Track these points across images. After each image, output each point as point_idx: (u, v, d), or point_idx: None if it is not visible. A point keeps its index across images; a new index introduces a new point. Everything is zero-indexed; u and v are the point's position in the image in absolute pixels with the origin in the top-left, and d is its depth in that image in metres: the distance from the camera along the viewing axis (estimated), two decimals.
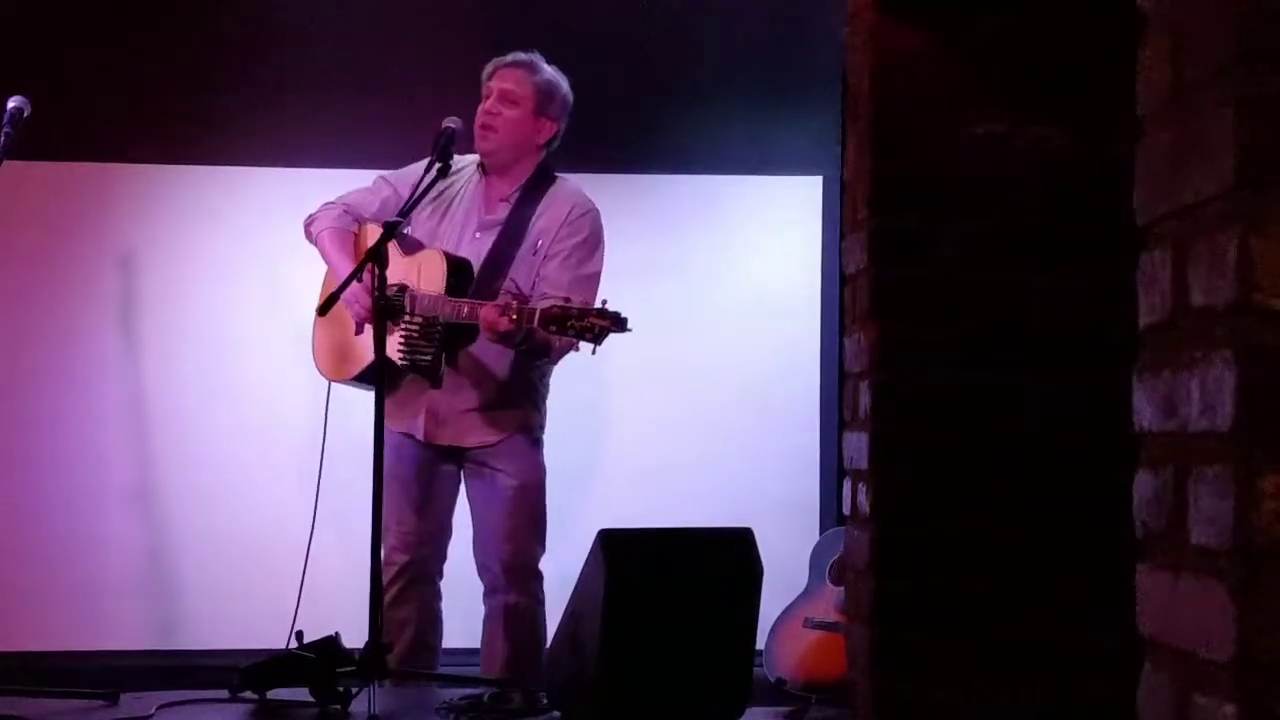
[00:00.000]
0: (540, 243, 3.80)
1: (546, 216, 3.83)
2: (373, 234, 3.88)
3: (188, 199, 4.72)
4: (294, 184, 4.49)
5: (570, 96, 3.90)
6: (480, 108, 3.85)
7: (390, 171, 3.99)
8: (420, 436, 3.83)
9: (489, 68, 3.90)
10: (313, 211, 3.98)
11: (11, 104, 3.49)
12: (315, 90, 4.67)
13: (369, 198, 3.95)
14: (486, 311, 3.54)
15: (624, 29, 4.71)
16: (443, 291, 3.68)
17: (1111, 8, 2.49)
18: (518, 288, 3.71)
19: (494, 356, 3.79)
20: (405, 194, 3.81)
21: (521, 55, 3.89)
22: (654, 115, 4.72)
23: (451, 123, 3.69)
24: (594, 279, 3.75)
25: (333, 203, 3.97)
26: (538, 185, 3.86)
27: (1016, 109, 2.60)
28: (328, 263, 3.91)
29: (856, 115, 2.75)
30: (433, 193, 3.77)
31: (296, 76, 4.68)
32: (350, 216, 3.94)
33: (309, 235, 3.97)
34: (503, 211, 3.85)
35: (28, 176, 4.39)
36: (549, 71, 3.89)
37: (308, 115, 4.65)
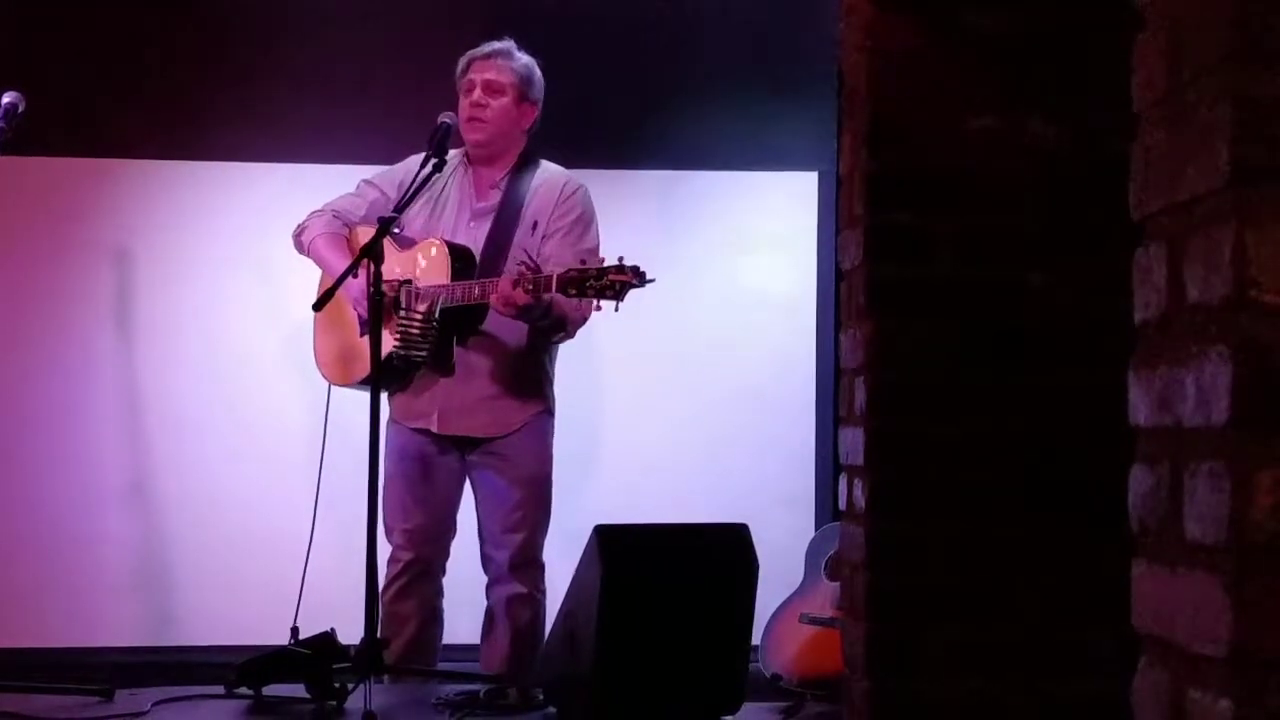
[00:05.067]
0: (537, 223, 3.83)
1: (540, 196, 3.86)
2: (364, 236, 3.89)
3: (184, 194, 4.72)
4: (292, 180, 4.49)
5: (542, 79, 3.95)
6: (465, 100, 3.88)
7: (375, 174, 4.01)
8: (435, 429, 3.82)
9: (464, 61, 3.94)
10: (301, 221, 3.99)
11: (6, 99, 3.49)
12: (313, 86, 4.66)
13: (356, 201, 3.98)
14: (501, 286, 3.56)
15: (623, 26, 4.71)
16: (449, 278, 3.69)
17: (1109, 4, 2.49)
18: (530, 257, 3.63)
19: (508, 342, 3.80)
20: (393, 194, 3.89)
21: (497, 44, 3.93)
22: (651, 111, 4.72)
23: (446, 118, 3.74)
24: (594, 253, 3.73)
25: (320, 210, 3.99)
26: (524, 169, 3.90)
27: (1013, 105, 2.59)
28: (324, 267, 3.92)
29: (852, 111, 2.74)
30: (425, 189, 3.80)
31: (294, 72, 4.67)
32: (340, 221, 3.96)
33: (299, 245, 3.99)
34: (494, 198, 3.88)
35: (23, 171, 4.38)
36: (524, 57, 3.93)
37: (305, 111, 4.65)
